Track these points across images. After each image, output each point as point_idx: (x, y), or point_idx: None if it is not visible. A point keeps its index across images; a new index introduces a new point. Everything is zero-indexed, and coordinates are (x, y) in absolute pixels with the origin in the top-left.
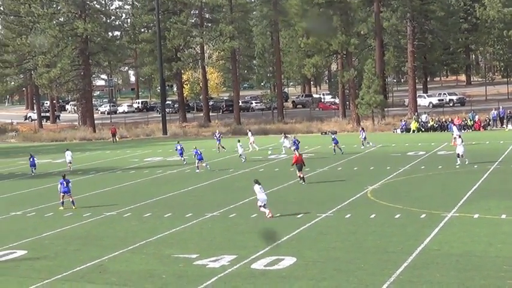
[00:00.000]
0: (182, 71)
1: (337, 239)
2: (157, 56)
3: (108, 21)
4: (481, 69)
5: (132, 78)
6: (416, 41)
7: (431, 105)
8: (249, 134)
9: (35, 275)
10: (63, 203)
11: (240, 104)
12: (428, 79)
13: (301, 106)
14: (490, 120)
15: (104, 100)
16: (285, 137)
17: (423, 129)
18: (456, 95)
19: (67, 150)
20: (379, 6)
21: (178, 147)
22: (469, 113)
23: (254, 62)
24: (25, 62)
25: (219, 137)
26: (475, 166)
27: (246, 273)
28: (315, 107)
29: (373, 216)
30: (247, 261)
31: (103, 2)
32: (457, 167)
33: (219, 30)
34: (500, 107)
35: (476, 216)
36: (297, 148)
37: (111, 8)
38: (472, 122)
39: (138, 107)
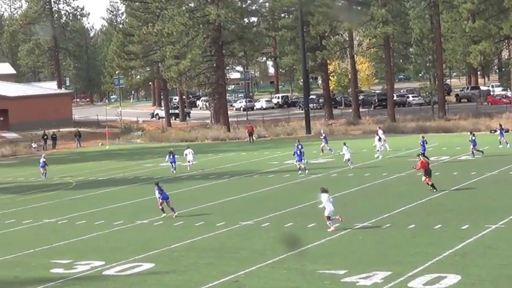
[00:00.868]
0: (328, 61)
1: (509, 255)
2: (299, 45)
3: (244, 5)
4: None
5: (271, 70)
6: None
7: None
8: (380, 132)
9: None
10: (163, 209)
11: (395, 98)
12: None
13: (466, 100)
14: None
15: (239, 95)
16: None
17: None
18: None
19: (188, 148)
20: None
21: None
22: None
23: (411, 49)
24: (152, 53)
25: (324, 137)
26: None
27: None
28: (483, 101)
29: None
30: (403, 278)
31: None
32: None
33: (370, 14)
34: None
35: None
36: (424, 151)
37: None
38: None
39: (277, 102)
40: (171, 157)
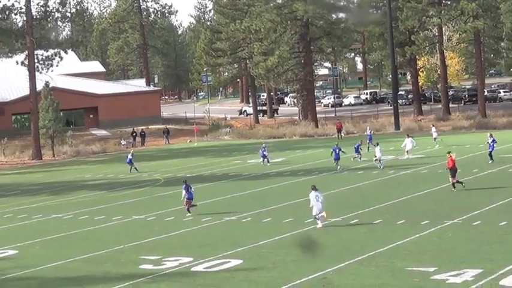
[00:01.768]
0: (417, 57)
1: None
2: (387, 40)
3: (332, 1)
4: None
5: (359, 66)
6: None
7: None
8: (433, 129)
9: (251, 287)
10: (188, 209)
11: (486, 93)
12: None
13: None
14: None
15: (327, 91)
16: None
17: None
18: None
19: (262, 144)
20: None
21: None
22: None
23: (502, 44)
24: (239, 50)
25: (370, 133)
26: None
27: None
28: None
29: None
30: (494, 276)
31: None
32: None
33: (459, 8)
34: None
35: None
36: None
37: None
38: None
39: (366, 98)
40: (263, 150)
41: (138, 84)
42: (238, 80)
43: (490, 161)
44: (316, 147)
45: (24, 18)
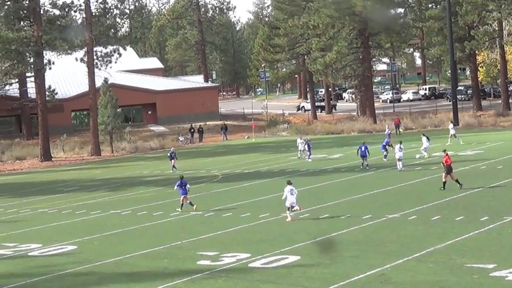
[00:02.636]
0: (476, 52)
1: None
2: (447, 35)
3: None
4: None
5: (418, 62)
6: None
7: None
8: (450, 125)
9: (309, 283)
10: (188, 203)
11: None
12: None
13: None
14: None
15: (386, 87)
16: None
17: None
18: None
19: (300, 138)
20: None
21: None
22: None
23: None
24: (297, 46)
25: (389, 132)
26: None
27: None
28: None
29: None
30: None
31: None
32: None
33: None
34: None
35: None
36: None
37: None
38: None
39: (424, 93)
40: (306, 145)
41: (196, 81)
42: (296, 75)
43: None
44: (374, 143)
45: (84, 15)
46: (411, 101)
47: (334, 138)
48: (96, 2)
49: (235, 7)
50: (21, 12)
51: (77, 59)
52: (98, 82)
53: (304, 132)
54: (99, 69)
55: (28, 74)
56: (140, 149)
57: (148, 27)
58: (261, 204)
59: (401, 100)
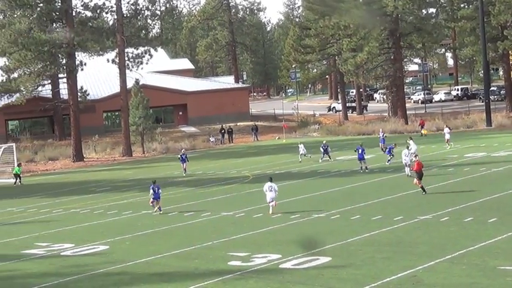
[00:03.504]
0: (510, 52)
1: None
2: (479, 35)
3: None
4: None
5: (450, 62)
6: None
7: None
8: (446, 130)
9: (340, 284)
10: (153, 205)
11: None
12: None
13: None
14: None
15: (417, 87)
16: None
17: None
18: None
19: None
20: None
21: None
22: None
23: None
24: (328, 47)
25: (383, 136)
26: None
27: None
28: None
29: None
30: None
31: None
32: None
33: None
34: None
35: None
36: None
37: None
38: None
39: (457, 94)
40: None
41: (227, 81)
42: (327, 76)
43: None
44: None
45: (115, 17)
46: (443, 101)
47: (365, 139)
48: (128, 3)
49: (265, 8)
50: (54, 14)
51: (108, 60)
52: (130, 83)
53: (335, 133)
54: (131, 70)
55: (60, 75)
56: (171, 149)
57: (179, 28)
58: (292, 205)
59: (433, 101)
